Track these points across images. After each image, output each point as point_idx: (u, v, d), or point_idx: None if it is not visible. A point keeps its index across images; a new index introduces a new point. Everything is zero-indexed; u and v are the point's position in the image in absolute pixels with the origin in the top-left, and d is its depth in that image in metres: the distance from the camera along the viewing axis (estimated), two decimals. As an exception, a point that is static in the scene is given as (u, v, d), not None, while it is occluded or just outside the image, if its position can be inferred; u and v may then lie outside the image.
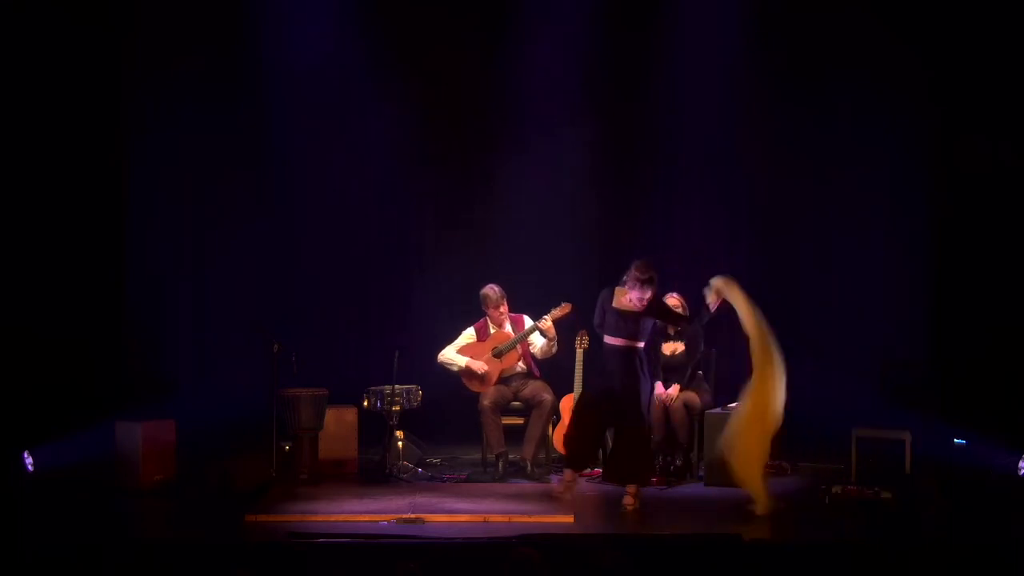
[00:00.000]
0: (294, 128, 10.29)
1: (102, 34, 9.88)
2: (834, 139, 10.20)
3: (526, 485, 8.28)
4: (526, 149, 10.33)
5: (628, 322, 7.57)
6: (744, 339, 8.74)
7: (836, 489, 7.61)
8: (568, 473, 7.81)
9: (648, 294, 7.49)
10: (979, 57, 9.61)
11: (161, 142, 10.20)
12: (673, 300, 8.60)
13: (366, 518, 7.22)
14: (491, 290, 8.78)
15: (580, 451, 7.79)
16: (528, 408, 8.69)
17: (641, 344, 7.64)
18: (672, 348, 8.75)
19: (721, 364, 9.02)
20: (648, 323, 7.66)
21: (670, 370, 8.71)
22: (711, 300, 7.58)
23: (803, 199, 10.29)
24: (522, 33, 10.22)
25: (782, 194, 10.30)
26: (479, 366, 8.70)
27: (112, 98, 10.02)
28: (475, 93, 10.37)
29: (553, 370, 8.91)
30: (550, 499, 7.78)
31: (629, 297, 7.51)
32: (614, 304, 7.59)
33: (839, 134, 10.18)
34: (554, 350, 8.73)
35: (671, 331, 8.71)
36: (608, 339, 7.66)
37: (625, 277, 7.55)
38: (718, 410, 8.43)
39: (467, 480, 8.50)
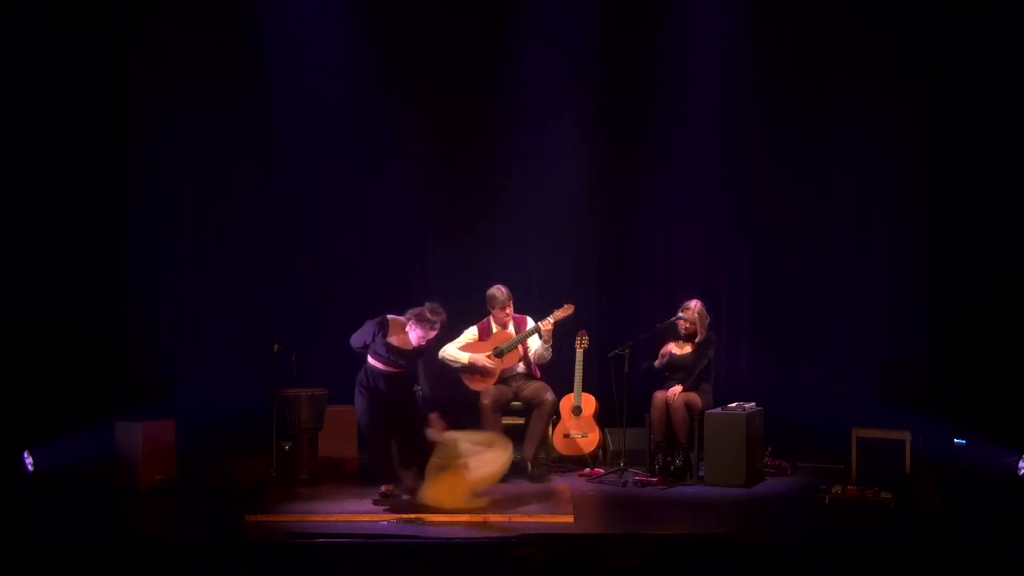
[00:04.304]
0: (294, 128, 10.29)
1: (102, 34, 9.88)
2: (834, 139, 10.20)
3: (526, 485, 8.26)
4: (526, 149, 10.34)
5: (399, 356, 7.72)
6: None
7: (836, 489, 7.60)
8: (387, 487, 7.76)
9: (432, 335, 7.68)
10: (979, 57, 9.60)
11: (161, 142, 10.21)
12: (693, 305, 8.63)
13: (366, 518, 7.22)
14: (498, 291, 8.76)
15: (386, 465, 7.79)
16: (528, 408, 8.67)
17: (407, 370, 7.83)
18: (681, 348, 8.75)
19: (721, 365, 9.00)
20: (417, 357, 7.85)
21: (675, 369, 8.70)
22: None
23: (803, 199, 10.29)
24: (522, 33, 10.22)
25: (782, 194, 10.30)
26: (482, 360, 8.66)
27: (112, 98, 10.03)
28: (475, 93, 10.37)
29: (553, 370, 8.90)
30: (550, 499, 7.78)
31: (411, 335, 7.64)
32: (389, 338, 7.68)
33: (839, 134, 10.18)
34: (548, 355, 8.66)
35: (682, 330, 8.71)
36: (373, 361, 7.75)
37: (409, 314, 7.65)
38: (718, 410, 8.44)
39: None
